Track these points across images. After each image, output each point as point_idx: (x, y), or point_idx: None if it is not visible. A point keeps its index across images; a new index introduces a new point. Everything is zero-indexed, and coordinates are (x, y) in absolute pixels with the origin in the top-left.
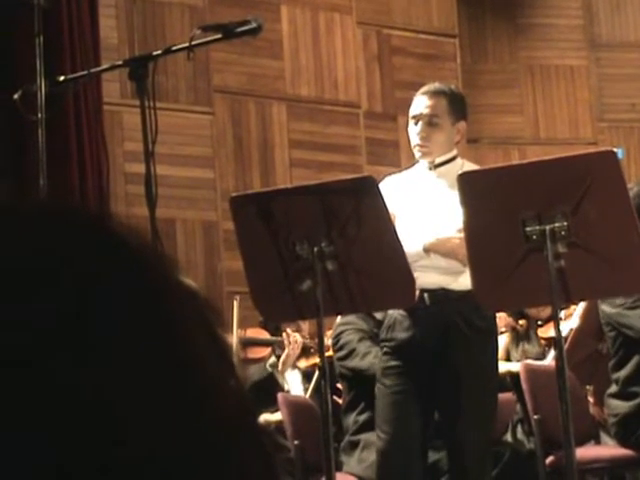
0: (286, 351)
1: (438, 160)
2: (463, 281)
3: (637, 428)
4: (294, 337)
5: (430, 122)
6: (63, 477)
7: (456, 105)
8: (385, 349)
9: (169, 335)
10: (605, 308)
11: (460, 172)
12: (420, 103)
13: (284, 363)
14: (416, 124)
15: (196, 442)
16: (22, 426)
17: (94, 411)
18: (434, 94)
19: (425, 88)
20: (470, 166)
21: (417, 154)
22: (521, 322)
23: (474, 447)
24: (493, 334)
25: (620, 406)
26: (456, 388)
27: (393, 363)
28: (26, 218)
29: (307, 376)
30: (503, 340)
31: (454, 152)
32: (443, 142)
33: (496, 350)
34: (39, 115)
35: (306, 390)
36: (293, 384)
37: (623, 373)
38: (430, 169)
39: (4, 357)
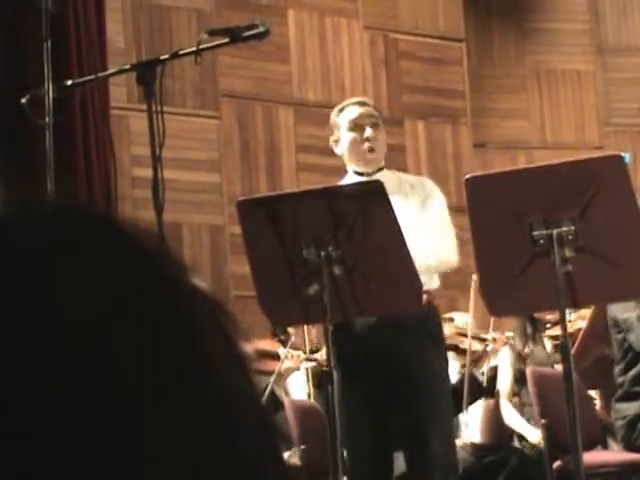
0: (286, 364)
1: (375, 168)
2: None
3: None
4: (297, 354)
5: (374, 124)
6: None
7: (381, 115)
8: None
9: (184, 339)
10: (617, 314)
11: (467, 176)
12: (358, 110)
13: (281, 375)
14: (356, 130)
15: (208, 442)
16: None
17: (113, 412)
18: (364, 103)
19: (354, 100)
20: (398, 175)
21: (363, 159)
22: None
23: (438, 454)
24: (443, 341)
25: (627, 408)
26: (413, 394)
27: (343, 374)
28: (38, 222)
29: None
30: (507, 354)
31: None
32: (384, 145)
33: (446, 356)
34: (47, 119)
35: (308, 394)
36: (295, 386)
37: (631, 374)
38: (367, 175)
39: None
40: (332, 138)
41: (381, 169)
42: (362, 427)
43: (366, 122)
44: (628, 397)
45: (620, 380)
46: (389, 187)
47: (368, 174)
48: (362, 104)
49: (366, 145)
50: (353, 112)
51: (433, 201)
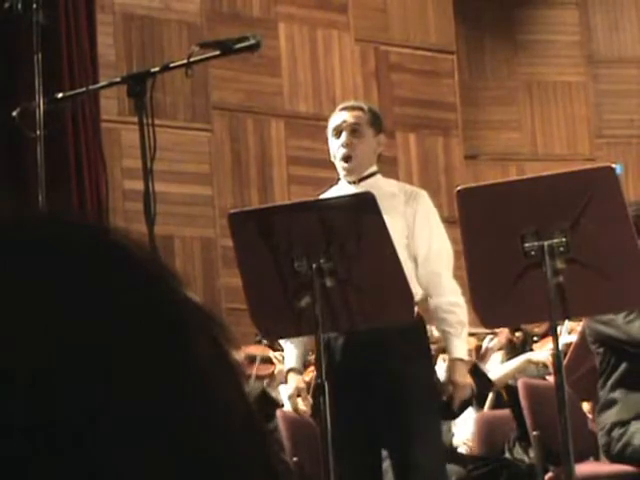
0: (278, 367)
1: (362, 174)
2: None
3: (620, 438)
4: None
5: (353, 130)
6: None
7: (375, 118)
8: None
9: (176, 350)
10: (601, 328)
11: (458, 188)
12: (340, 116)
13: (274, 378)
14: (338, 137)
15: (201, 454)
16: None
17: (112, 415)
18: (353, 108)
19: (343, 105)
20: (392, 183)
21: (341, 168)
22: (517, 334)
23: (424, 468)
24: (429, 352)
25: (606, 417)
26: (399, 409)
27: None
28: (29, 235)
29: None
30: (498, 358)
31: (375, 167)
32: (367, 152)
33: (433, 367)
34: (38, 132)
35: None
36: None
37: (609, 383)
38: (355, 183)
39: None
40: None
41: (372, 175)
42: (350, 440)
43: (343, 127)
44: (607, 405)
45: (601, 393)
46: (377, 194)
47: (355, 182)
48: (346, 108)
49: (340, 152)
50: (335, 118)
51: (426, 231)
